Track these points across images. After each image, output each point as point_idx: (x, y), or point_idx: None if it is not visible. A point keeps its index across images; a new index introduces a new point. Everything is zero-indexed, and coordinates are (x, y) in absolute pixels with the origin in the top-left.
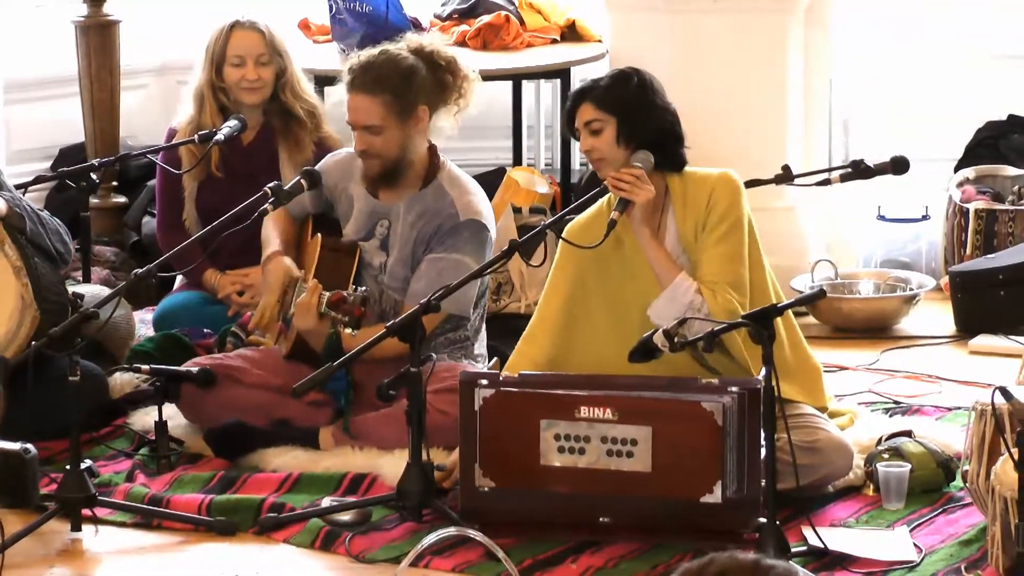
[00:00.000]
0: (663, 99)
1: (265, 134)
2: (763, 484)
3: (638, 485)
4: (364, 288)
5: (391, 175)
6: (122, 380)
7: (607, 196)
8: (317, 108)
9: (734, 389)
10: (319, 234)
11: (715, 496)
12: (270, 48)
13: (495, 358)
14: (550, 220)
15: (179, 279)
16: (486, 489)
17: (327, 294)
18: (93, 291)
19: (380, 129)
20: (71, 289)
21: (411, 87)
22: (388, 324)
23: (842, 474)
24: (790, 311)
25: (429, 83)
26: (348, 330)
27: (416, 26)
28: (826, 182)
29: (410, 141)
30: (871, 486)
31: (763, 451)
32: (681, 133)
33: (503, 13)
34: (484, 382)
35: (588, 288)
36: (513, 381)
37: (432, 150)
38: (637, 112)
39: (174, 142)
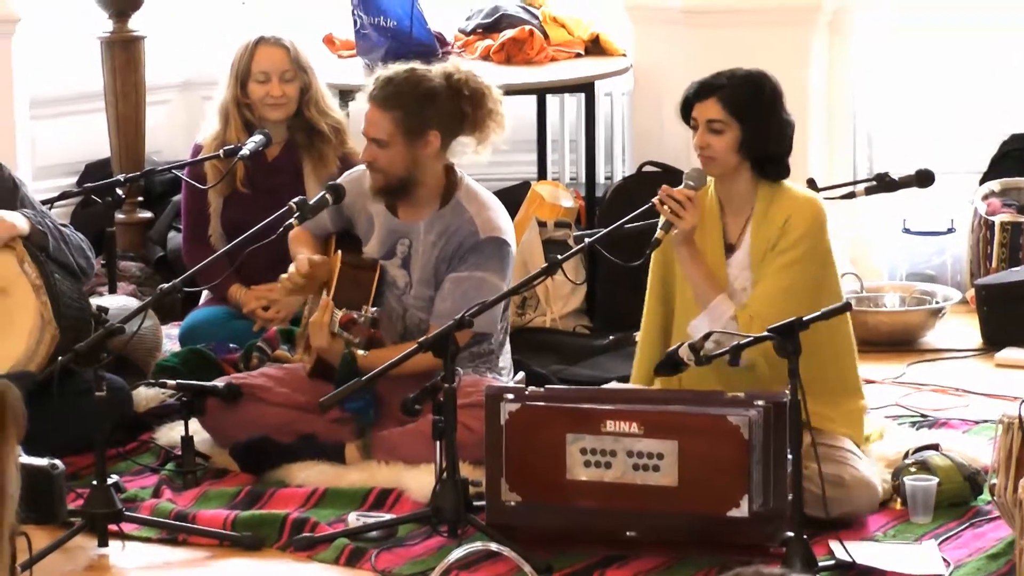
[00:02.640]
0: (786, 111)
1: (290, 149)
2: (790, 498)
3: (664, 499)
4: (376, 309)
5: (396, 191)
6: (147, 395)
7: (711, 182)
8: (342, 124)
9: (760, 403)
10: (339, 251)
11: (742, 510)
12: (295, 64)
13: (521, 372)
14: (593, 237)
15: (205, 294)
16: (512, 503)
17: (339, 313)
18: (119, 302)
19: (385, 144)
20: (95, 302)
21: (424, 110)
22: (420, 340)
23: (865, 512)
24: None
25: (446, 110)
26: (360, 351)
27: (440, 41)
28: (851, 195)
29: (417, 163)
30: (898, 500)
31: (789, 465)
32: (792, 146)
33: (527, 27)
34: (510, 396)
35: (672, 285)
36: (539, 395)
37: (449, 169)
38: (763, 124)
39: (199, 157)
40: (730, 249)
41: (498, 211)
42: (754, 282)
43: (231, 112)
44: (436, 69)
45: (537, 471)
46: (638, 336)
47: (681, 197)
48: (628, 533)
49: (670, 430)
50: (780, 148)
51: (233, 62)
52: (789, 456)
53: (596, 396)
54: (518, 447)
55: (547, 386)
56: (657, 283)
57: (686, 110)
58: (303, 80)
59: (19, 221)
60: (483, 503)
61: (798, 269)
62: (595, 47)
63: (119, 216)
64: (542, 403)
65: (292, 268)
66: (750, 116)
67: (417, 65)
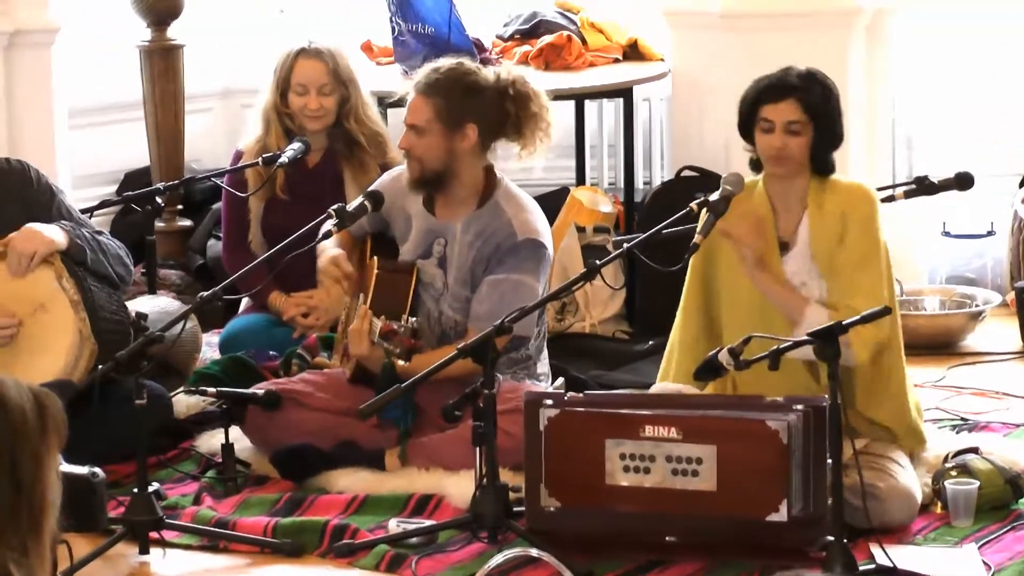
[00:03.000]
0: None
1: (331, 156)
2: (830, 502)
3: (703, 504)
4: (416, 319)
5: (431, 182)
6: (188, 402)
7: (761, 176)
8: (381, 134)
9: (799, 407)
10: (376, 256)
11: (781, 515)
12: (333, 78)
13: (560, 378)
14: (632, 242)
15: (245, 302)
16: (552, 509)
17: (379, 322)
18: (158, 304)
19: (423, 131)
20: (132, 305)
21: (465, 101)
22: (459, 346)
23: (901, 524)
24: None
25: (489, 107)
26: (400, 361)
27: (479, 47)
28: (890, 199)
29: (454, 156)
30: (939, 504)
31: (829, 469)
32: None
33: (565, 33)
34: (549, 402)
35: (716, 291)
36: (578, 401)
37: (489, 170)
38: (834, 124)
39: (238, 165)
40: (784, 247)
41: (536, 214)
42: (823, 273)
43: (272, 119)
44: (488, 69)
45: (576, 476)
46: (668, 344)
47: (752, 224)
48: (668, 538)
49: (709, 435)
50: (837, 146)
51: (275, 68)
52: (829, 461)
53: (635, 401)
54: (557, 453)
55: (586, 391)
56: (696, 289)
57: (752, 111)
58: (341, 93)
59: (57, 236)
60: (523, 509)
61: (876, 259)
62: (633, 52)
63: (159, 224)
64: (581, 408)
65: (325, 262)
66: (824, 116)
67: (467, 60)
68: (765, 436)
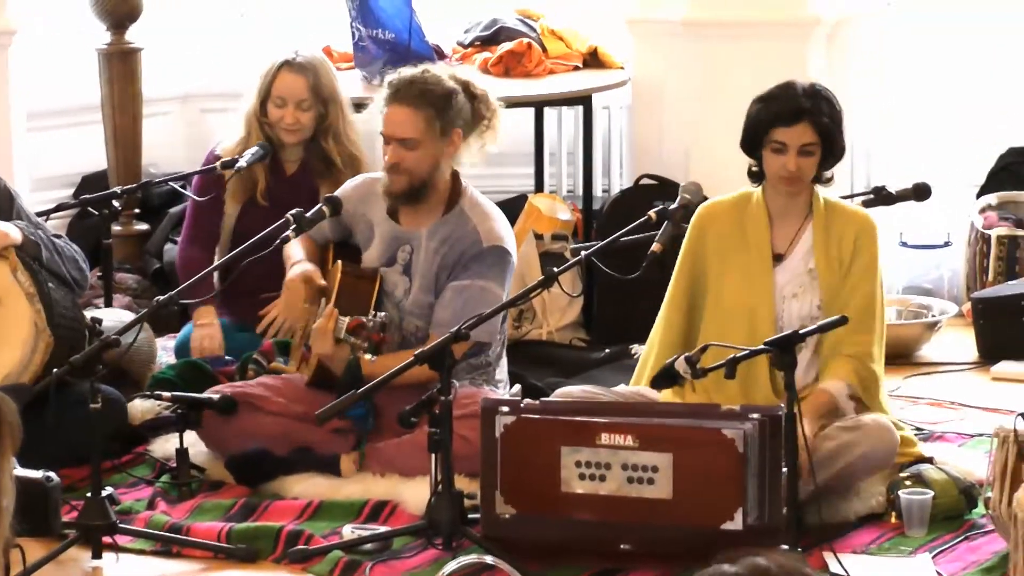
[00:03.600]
0: None
1: (307, 167)
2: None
3: (659, 512)
4: (384, 313)
5: (415, 195)
6: (143, 407)
7: (759, 189)
8: (358, 157)
9: (755, 416)
10: (339, 261)
11: (736, 523)
12: (312, 94)
13: (517, 385)
14: (590, 249)
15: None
16: (507, 516)
17: (345, 320)
18: (113, 316)
19: (416, 144)
20: (90, 314)
21: (451, 107)
22: (416, 352)
23: (881, 458)
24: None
25: (466, 110)
26: (367, 356)
27: (439, 54)
28: None
29: (439, 162)
30: (893, 513)
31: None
32: None
33: (525, 40)
34: (505, 409)
35: (701, 297)
36: (534, 408)
37: (455, 176)
38: (841, 142)
39: (203, 167)
40: (778, 258)
41: (501, 221)
42: (821, 287)
43: (253, 126)
44: (441, 72)
45: (532, 484)
46: (647, 344)
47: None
48: (623, 546)
49: (665, 443)
50: (842, 158)
51: (261, 76)
52: (784, 470)
53: (591, 409)
54: (513, 460)
55: (542, 399)
56: (682, 293)
57: (762, 132)
58: (320, 109)
59: (12, 231)
60: (478, 516)
61: (878, 293)
62: (593, 60)
63: (116, 228)
64: (537, 416)
65: (295, 279)
66: (832, 135)
67: (430, 66)
68: (721, 444)
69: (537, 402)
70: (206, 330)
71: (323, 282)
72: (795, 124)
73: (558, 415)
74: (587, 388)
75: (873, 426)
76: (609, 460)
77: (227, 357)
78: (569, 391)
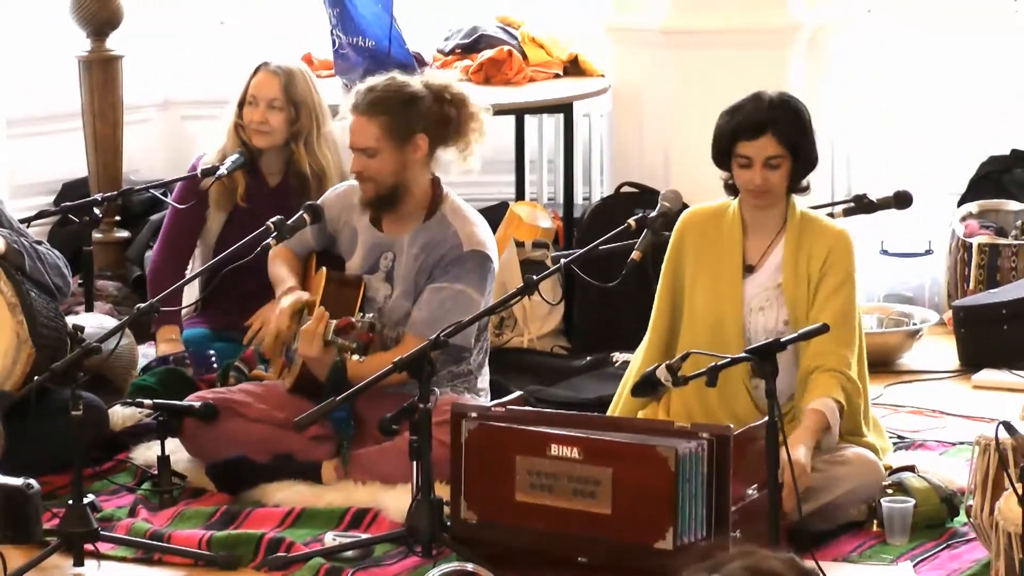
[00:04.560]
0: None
1: (288, 180)
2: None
3: (601, 526)
4: (372, 314)
5: (386, 201)
6: (124, 414)
7: (736, 200)
8: (327, 170)
9: (704, 435)
10: (324, 268)
11: (667, 542)
12: (284, 94)
13: (519, 392)
14: (569, 257)
15: (184, 313)
16: (472, 522)
17: (334, 321)
18: (95, 321)
19: (375, 151)
20: (71, 320)
21: (410, 113)
22: (395, 360)
23: (867, 494)
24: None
25: (432, 114)
26: (355, 356)
27: (419, 61)
28: (830, 216)
29: (406, 169)
30: (875, 522)
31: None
32: None
33: (506, 48)
34: (472, 415)
35: (680, 303)
36: (498, 415)
37: (435, 182)
38: (810, 150)
39: (183, 176)
40: (748, 269)
41: (482, 227)
42: (788, 298)
43: (231, 131)
44: (414, 79)
45: (491, 490)
46: (637, 350)
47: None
48: (580, 559)
49: (606, 457)
50: (813, 168)
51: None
52: (752, 489)
53: (547, 419)
54: (475, 466)
55: (509, 407)
56: (665, 301)
57: (727, 147)
58: (291, 113)
59: None
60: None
61: (852, 309)
62: (574, 68)
63: (96, 235)
64: (498, 423)
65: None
66: (800, 145)
67: (397, 74)
68: (654, 462)
69: (503, 409)
70: (172, 346)
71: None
72: (758, 137)
73: (516, 423)
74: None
75: (858, 462)
76: (556, 471)
77: (211, 354)
78: None
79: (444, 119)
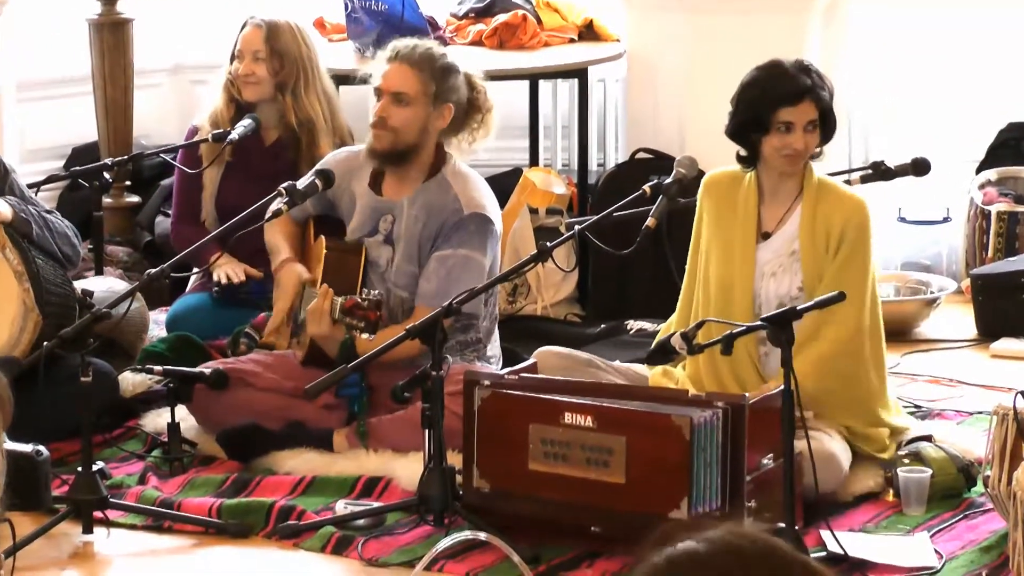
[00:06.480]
0: None
1: (284, 137)
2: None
3: (614, 496)
4: (377, 291)
5: (395, 157)
6: (134, 381)
7: (752, 170)
8: (315, 121)
9: (719, 404)
10: (322, 236)
11: (681, 512)
12: (267, 46)
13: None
14: (583, 224)
15: (192, 280)
16: (484, 490)
17: (339, 299)
18: (104, 285)
19: (409, 100)
20: (80, 285)
21: (448, 81)
22: (408, 328)
23: (829, 489)
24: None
25: (463, 93)
26: (365, 335)
27: (432, 26)
28: (846, 184)
29: (426, 132)
30: (891, 492)
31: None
32: None
33: (520, 12)
34: (485, 382)
35: (702, 246)
36: (511, 383)
37: (439, 147)
38: (834, 115)
39: (188, 142)
40: (765, 235)
41: (483, 190)
42: (803, 263)
43: (224, 87)
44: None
45: (504, 459)
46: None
47: None
48: (593, 528)
49: (620, 426)
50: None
51: None
52: (767, 458)
53: (561, 387)
54: (487, 434)
55: (522, 375)
56: (693, 263)
57: (765, 114)
58: (275, 64)
59: (2, 207)
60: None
61: (866, 281)
62: (588, 32)
63: (107, 200)
64: (511, 391)
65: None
66: (831, 111)
67: (433, 43)
68: (669, 431)
69: (516, 377)
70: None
71: (309, 277)
72: (800, 103)
73: (530, 391)
74: (562, 350)
75: (820, 458)
76: (569, 440)
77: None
78: (549, 350)
79: (472, 104)
